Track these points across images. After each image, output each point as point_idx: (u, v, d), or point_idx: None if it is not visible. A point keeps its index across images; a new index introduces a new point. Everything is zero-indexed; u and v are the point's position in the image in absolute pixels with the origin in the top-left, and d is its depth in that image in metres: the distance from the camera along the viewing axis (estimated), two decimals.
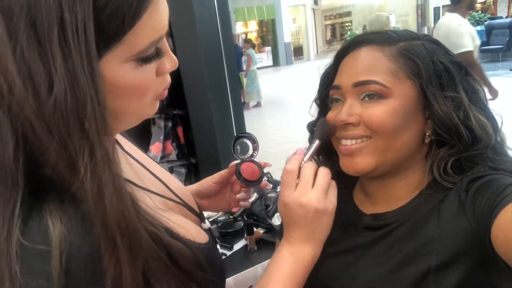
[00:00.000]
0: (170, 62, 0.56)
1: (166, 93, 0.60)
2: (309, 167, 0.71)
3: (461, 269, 0.61)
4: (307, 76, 13.19)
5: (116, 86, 0.49)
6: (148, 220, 0.52)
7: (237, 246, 1.69)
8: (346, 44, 0.76)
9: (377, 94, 0.67)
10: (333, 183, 0.72)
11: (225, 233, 1.75)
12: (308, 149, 0.74)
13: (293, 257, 0.69)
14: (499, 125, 0.70)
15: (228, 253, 1.65)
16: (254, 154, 0.95)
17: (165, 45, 0.54)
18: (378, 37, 0.72)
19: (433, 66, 0.68)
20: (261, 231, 1.72)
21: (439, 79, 0.68)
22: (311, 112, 0.85)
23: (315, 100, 0.84)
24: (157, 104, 0.61)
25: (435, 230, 0.65)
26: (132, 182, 0.60)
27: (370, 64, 0.69)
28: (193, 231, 0.67)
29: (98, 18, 0.43)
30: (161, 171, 0.78)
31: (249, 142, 0.94)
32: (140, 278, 0.47)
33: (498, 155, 0.68)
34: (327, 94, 0.77)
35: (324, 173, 0.71)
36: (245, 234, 1.68)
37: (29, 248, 0.43)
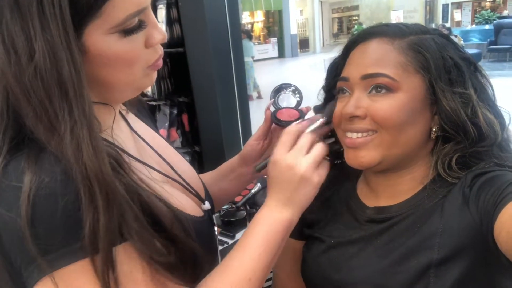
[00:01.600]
0: (158, 34, 0.59)
1: (160, 63, 0.63)
2: (307, 137, 0.71)
3: (463, 264, 0.62)
4: (312, 69, 13.09)
5: (103, 56, 0.54)
6: (133, 181, 0.56)
7: (239, 235, 1.70)
8: (356, 35, 0.75)
9: (385, 87, 0.67)
10: (327, 163, 0.72)
11: (227, 221, 1.75)
12: (312, 123, 0.74)
13: (270, 220, 0.67)
14: (507, 123, 0.70)
15: (230, 241, 1.66)
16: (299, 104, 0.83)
17: (150, 17, 0.58)
18: (388, 30, 0.71)
19: (443, 61, 0.67)
20: None
21: (448, 75, 0.67)
22: (319, 97, 0.85)
23: (323, 87, 0.84)
24: (154, 75, 0.64)
25: (438, 224, 0.65)
26: (129, 154, 0.63)
27: (379, 56, 0.68)
28: (184, 203, 0.69)
29: None
30: (171, 154, 0.80)
31: (291, 94, 0.83)
32: (116, 227, 0.51)
33: (504, 152, 0.68)
34: (335, 84, 0.76)
35: (321, 146, 0.71)
36: (248, 224, 1.69)
37: (6, 185, 0.50)
